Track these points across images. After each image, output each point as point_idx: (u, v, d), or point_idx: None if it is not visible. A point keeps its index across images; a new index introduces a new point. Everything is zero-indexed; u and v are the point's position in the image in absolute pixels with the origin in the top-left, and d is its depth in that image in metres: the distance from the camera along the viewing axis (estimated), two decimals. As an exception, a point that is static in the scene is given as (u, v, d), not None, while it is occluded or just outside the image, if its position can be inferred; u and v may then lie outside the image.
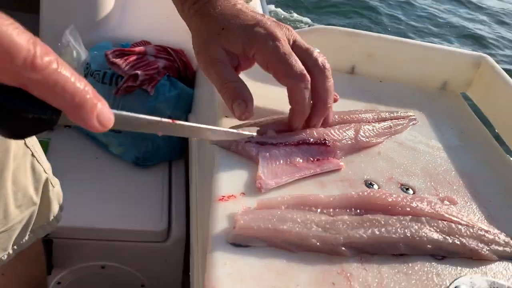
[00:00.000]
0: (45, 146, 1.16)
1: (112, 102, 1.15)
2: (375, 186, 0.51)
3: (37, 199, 0.69)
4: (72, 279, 1.08)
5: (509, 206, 0.53)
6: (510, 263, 0.46)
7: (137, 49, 1.21)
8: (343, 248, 0.42)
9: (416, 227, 0.45)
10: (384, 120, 0.60)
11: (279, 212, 0.42)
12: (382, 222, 0.44)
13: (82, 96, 0.28)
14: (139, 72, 1.14)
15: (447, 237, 0.45)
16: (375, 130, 0.57)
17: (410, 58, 0.71)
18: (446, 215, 0.47)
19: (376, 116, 0.60)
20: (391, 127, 0.60)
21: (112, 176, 1.14)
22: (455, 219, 0.47)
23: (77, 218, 1.01)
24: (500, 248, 0.46)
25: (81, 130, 1.23)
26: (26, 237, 0.71)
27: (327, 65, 0.52)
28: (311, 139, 0.52)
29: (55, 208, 0.76)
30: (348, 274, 0.40)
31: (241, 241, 0.40)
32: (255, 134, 0.51)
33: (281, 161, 0.49)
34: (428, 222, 0.46)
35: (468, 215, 0.49)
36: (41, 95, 0.27)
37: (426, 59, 0.72)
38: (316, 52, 0.52)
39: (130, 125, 0.37)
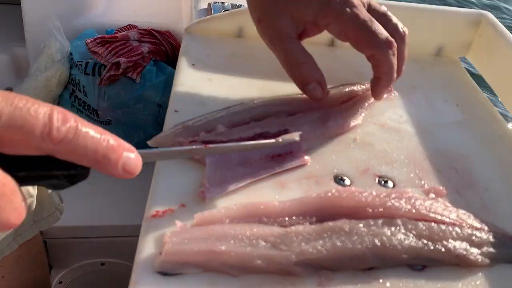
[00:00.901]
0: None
1: (98, 93, 1.10)
2: (347, 181, 0.44)
3: (33, 191, 0.67)
4: (72, 277, 1.07)
5: (509, 192, 0.45)
6: (508, 268, 0.38)
7: (120, 35, 1.15)
8: (296, 267, 0.35)
9: (389, 232, 0.37)
10: (355, 96, 0.52)
11: (219, 229, 0.36)
12: (347, 230, 0.37)
13: (104, 153, 0.29)
14: (121, 59, 1.08)
15: (428, 242, 0.37)
16: (345, 112, 0.49)
17: (397, 23, 0.62)
18: (429, 214, 0.39)
19: (347, 93, 0.52)
20: (363, 105, 0.51)
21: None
22: (439, 217, 0.39)
23: (73, 216, 0.98)
24: (495, 250, 0.39)
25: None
26: (29, 229, 0.70)
27: (406, 31, 0.49)
28: (269, 132, 0.44)
29: (54, 200, 0.75)
30: (303, 299, 0.34)
31: (170, 269, 0.34)
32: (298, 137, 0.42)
33: (233, 162, 0.42)
34: (404, 225, 0.38)
35: (457, 210, 0.41)
36: (66, 158, 0.28)
37: (416, 23, 0.62)
38: (394, 17, 0.49)
39: (164, 157, 0.38)
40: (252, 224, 0.37)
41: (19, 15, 1.21)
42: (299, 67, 0.47)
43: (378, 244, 0.36)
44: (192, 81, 0.53)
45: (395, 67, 0.48)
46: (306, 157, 0.44)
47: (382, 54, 0.46)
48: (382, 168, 0.46)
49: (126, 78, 1.10)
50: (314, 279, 0.35)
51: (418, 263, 0.37)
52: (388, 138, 0.49)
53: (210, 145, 0.38)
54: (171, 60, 1.17)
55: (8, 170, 0.27)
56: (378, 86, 0.49)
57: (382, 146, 0.48)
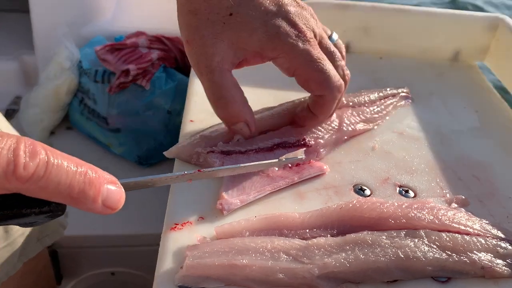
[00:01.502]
0: (44, 152, 1.13)
1: (107, 100, 1.11)
2: (367, 191, 0.43)
3: None
4: (83, 287, 1.06)
5: (534, 202, 0.45)
6: (534, 279, 0.37)
7: (129, 42, 1.15)
8: (319, 281, 0.34)
9: (412, 244, 0.37)
10: (373, 102, 0.52)
11: (239, 242, 0.35)
12: (369, 242, 0.37)
13: (80, 188, 0.25)
14: (130, 66, 1.08)
15: (452, 254, 0.37)
16: (361, 115, 0.49)
17: (412, 29, 0.62)
18: (452, 224, 0.39)
19: (362, 98, 0.52)
20: (381, 109, 0.51)
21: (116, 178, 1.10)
22: (463, 228, 0.39)
23: (83, 226, 0.99)
24: (521, 261, 0.38)
25: (83, 132, 1.19)
26: (33, 247, 0.69)
27: (349, 74, 0.46)
28: (288, 141, 0.44)
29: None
30: (326, 313, 0.33)
31: (191, 283, 0.33)
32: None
33: (252, 173, 0.42)
34: (427, 236, 0.38)
35: (481, 220, 0.41)
36: (36, 196, 0.25)
37: (432, 27, 0.62)
38: (342, 60, 0.45)
39: (152, 184, 0.33)
40: (273, 237, 0.36)
41: (29, 23, 1.22)
42: (226, 106, 0.41)
43: (402, 256, 0.36)
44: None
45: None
46: (325, 167, 0.44)
47: (331, 97, 0.43)
48: (402, 177, 0.45)
49: (136, 85, 1.10)
50: (337, 293, 0.35)
51: (443, 275, 0.37)
52: (407, 146, 0.49)
53: (204, 169, 0.36)
54: (181, 66, 1.17)
55: None
56: (311, 122, 0.46)
57: (401, 155, 0.48)
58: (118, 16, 1.31)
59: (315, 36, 0.42)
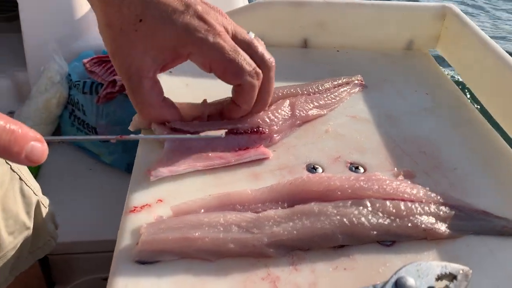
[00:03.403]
0: (38, 163, 1.13)
1: (96, 111, 1.12)
2: (319, 170, 0.44)
3: (30, 223, 0.65)
4: (75, 294, 1.06)
5: (476, 172, 0.45)
6: (473, 239, 0.38)
7: (115, 54, 1.17)
8: (269, 249, 0.35)
9: (357, 212, 0.38)
10: (327, 90, 0.53)
11: (193, 218, 0.36)
12: (316, 212, 0.38)
13: (6, 145, 0.27)
14: (117, 77, 1.09)
15: (396, 219, 0.38)
16: (314, 102, 0.50)
17: (366, 21, 0.63)
18: (396, 193, 0.40)
19: (317, 87, 0.53)
20: (335, 96, 0.52)
21: (106, 186, 1.10)
22: (406, 196, 0.40)
23: (73, 232, 0.99)
24: (462, 223, 0.39)
25: (73, 143, 1.20)
26: (24, 260, 0.68)
27: (273, 61, 0.45)
28: (241, 128, 0.45)
29: (50, 228, 0.73)
30: (275, 278, 0.34)
31: (147, 258, 0.34)
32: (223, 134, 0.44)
33: (193, 150, 0.43)
34: (372, 204, 0.39)
35: (425, 189, 0.41)
36: None
37: (385, 19, 0.63)
38: (260, 46, 0.44)
39: (78, 141, 0.36)
40: (226, 212, 0.37)
41: (21, 43, 1.24)
42: (143, 111, 0.43)
43: (347, 223, 0.37)
44: (169, 87, 0.54)
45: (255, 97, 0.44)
46: (268, 151, 0.45)
47: (247, 84, 0.42)
48: (353, 156, 0.46)
49: (123, 95, 1.11)
50: (287, 259, 0.35)
51: (387, 239, 0.38)
52: (359, 128, 0.50)
53: (124, 136, 0.39)
54: (165, 75, 1.18)
55: None
56: (236, 113, 0.45)
57: (353, 136, 0.49)
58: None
59: (226, 30, 0.42)
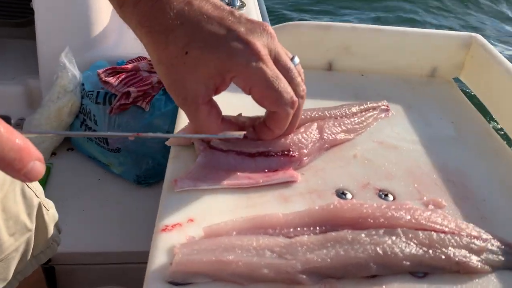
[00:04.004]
0: (47, 171, 1.13)
1: (108, 121, 1.12)
2: (348, 195, 0.44)
3: (31, 225, 0.65)
4: (78, 305, 1.05)
5: (506, 204, 0.45)
6: (506, 274, 0.38)
7: (130, 66, 1.17)
8: (302, 276, 0.35)
9: (390, 241, 0.38)
10: (354, 114, 0.53)
11: (226, 240, 0.36)
12: (349, 239, 0.37)
13: (10, 162, 0.28)
14: (131, 89, 1.10)
15: (428, 250, 0.38)
16: (342, 126, 0.50)
17: (391, 47, 0.64)
18: (428, 223, 0.40)
19: (344, 111, 0.53)
20: (362, 121, 0.52)
21: (114, 197, 1.10)
22: (438, 227, 0.40)
23: (81, 243, 0.98)
24: (494, 257, 0.39)
25: (83, 152, 1.20)
26: (28, 264, 0.68)
27: (305, 91, 0.45)
28: (272, 152, 0.45)
29: (52, 231, 0.73)
30: (309, 306, 0.34)
31: (180, 279, 0.34)
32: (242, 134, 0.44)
33: (223, 167, 0.43)
34: (405, 234, 0.38)
35: (456, 220, 0.41)
36: None
37: (410, 45, 0.64)
38: (299, 76, 0.44)
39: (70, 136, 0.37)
40: (258, 236, 0.37)
41: (34, 49, 1.24)
42: (203, 132, 0.44)
43: (380, 252, 0.37)
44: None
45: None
46: (297, 174, 0.45)
47: (284, 113, 0.43)
48: (382, 182, 0.46)
49: (136, 107, 1.11)
50: (319, 287, 0.35)
51: (420, 270, 0.37)
52: (386, 154, 0.50)
53: (141, 134, 0.40)
54: (178, 89, 1.19)
55: None
56: (267, 136, 0.46)
57: (381, 162, 0.49)
58: (120, 42, 1.34)
59: (270, 52, 0.42)
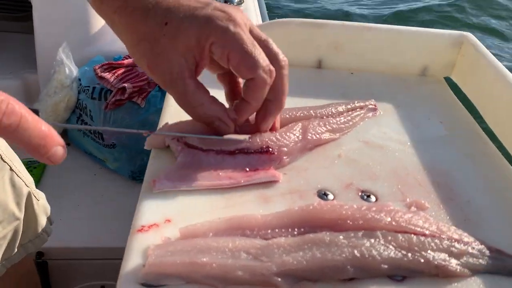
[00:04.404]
0: (43, 165, 1.13)
1: (103, 117, 1.11)
2: (330, 196, 0.44)
3: (19, 214, 0.66)
4: (72, 300, 1.04)
5: (490, 205, 0.45)
6: (486, 278, 0.37)
7: (126, 61, 1.17)
8: (277, 278, 0.34)
9: (368, 244, 0.37)
10: (341, 113, 0.52)
11: (202, 242, 0.35)
12: (327, 241, 0.37)
13: (35, 146, 0.32)
14: (126, 85, 1.09)
15: (407, 253, 0.37)
16: (327, 125, 0.50)
17: (382, 45, 0.63)
18: (408, 226, 0.39)
19: (330, 110, 0.52)
20: (348, 120, 0.52)
21: (109, 193, 1.10)
22: (419, 229, 0.39)
23: (75, 238, 0.98)
24: (474, 260, 0.38)
25: (80, 147, 1.20)
26: (15, 252, 0.68)
27: (286, 60, 0.45)
28: (251, 147, 0.44)
29: (42, 222, 0.73)
30: (283, 309, 0.33)
31: (153, 281, 0.33)
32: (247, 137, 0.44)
33: (203, 166, 0.42)
34: (384, 237, 0.38)
35: (438, 222, 0.41)
36: (6, 139, 0.32)
37: (401, 44, 0.63)
38: (274, 45, 0.45)
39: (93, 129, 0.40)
40: (234, 237, 0.37)
41: (32, 44, 1.24)
42: (196, 110, 0.43)
43: (358, 255, 0.36)
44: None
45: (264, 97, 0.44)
46: (279, 173, 0.44)
47: (259, 79, 0.42)
48: (365, 183, 0.46)
49: (131, 102, 1.11)
50: (295, 290, 0.34)
51: (398, 273, 0.37)
52: (372, 154, 0.49)
53: (155, 132, 0.41)
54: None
55: None
56: (245, 111, 0.45)
57: (366, 162, 0.48)
58: (117, 38, 1.33)
59: (245, 25, 0.43)
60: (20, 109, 0.30)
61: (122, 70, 1.14)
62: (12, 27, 1.46)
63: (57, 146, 0.33)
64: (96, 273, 1.00)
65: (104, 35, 1.33)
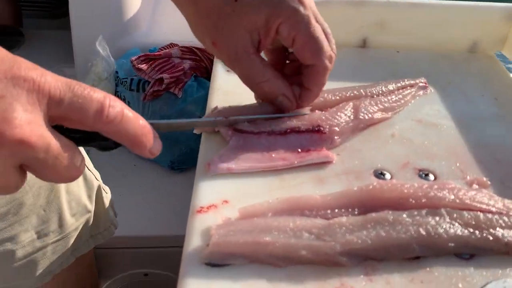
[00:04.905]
0: (84, 158, 1.15)
1: (142, 108, 1.12)
2: (387, 176, 0.42)
3: (91, 207, 0.68)
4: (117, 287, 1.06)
5: (557, 182, 0.42)
6: (560, 256, 0.35)
7: (162, 52, 1.17)
8: (342, 258, 0.33)
9: (433, 222, 0.35)
10: (391, 92, 0.51)
11: (262, 221, 0.35)
12: (390, 220, 0.35)
13: (139, 138, 0.32)
14: (164, 75, 1.09)
15: (475, 231, 0.35)
16: (379, 104, 0.48)
17: (428, 22, 0.61)
18: (473, 203, 0.37)
19: (380, 89, 0.50)
20: (399, 99, 0.50)
21: (150, 182, 1.11)
22: (485, 207, 0.37)
23: (118, 227, 0.99)
24: (546, 238, 0.36)
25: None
26: (85, 243, 0.71)
27: (335, 57, 0.45)
28: (302, 127, 0.43)
29: (110, 214, 0.76)
30: (349, 289, 0.32)
31: (217, 260, 0.33)
32: None
33: (258, 152, 0.42)
34: (449, 214, 0.36)
35: (503, 199, 0.39)
36: (111, 137, 0.32)
37: (448, 20, 0.60)
38: (331, 36, 0.44)
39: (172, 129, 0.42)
40: (295, 217, 0.36)
41: (69, 39, 1.26)
42: (261, 86, 0.43)
43: (423, 233, 0.35)
44: (227, 86, 0.53)
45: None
46: (333, 154, 0.43)
47: (322, 66, 0.42)
48: (422, 162, 0.44)
49: (169, 93, 1.11)
50: (360, 269, 0.34)
51: (466, 252, 0.35)
52: (426, 133, 0.48)
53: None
54: (211, 75, 1.18)
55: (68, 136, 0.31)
56: (307, 98, 0.45)
57: (421, 141, 0.46)
58: (152, 29, 1.34)
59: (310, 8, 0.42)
60: (121, 104, 0.31)
61: (158, 61, 1.14)
62: (49, 24, 1.49)
63: (156, 138, 0.33)
64: (139, 262, 1.01)
65: (139, 27, 1.33)
